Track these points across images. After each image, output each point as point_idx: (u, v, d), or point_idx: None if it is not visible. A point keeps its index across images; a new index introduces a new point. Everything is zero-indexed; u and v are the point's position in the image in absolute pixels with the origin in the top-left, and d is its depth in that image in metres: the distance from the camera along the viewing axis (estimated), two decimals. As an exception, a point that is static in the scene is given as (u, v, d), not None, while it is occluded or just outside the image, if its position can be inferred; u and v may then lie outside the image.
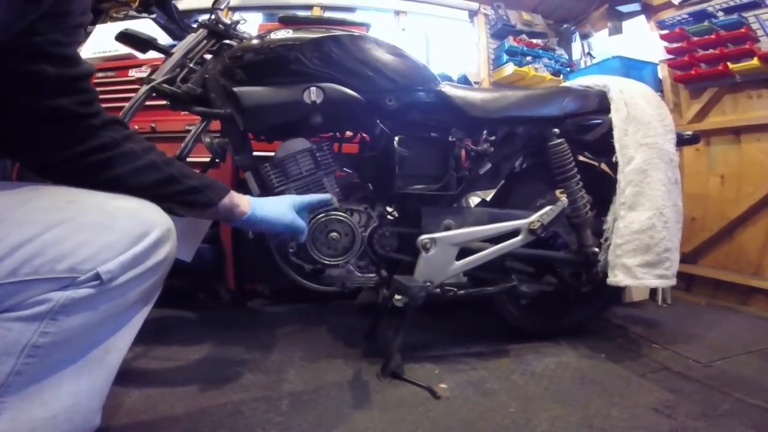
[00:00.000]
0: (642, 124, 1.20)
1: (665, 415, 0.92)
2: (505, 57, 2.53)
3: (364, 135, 1.33)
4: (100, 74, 1.73)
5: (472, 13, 2.82)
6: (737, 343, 1.35)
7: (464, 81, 2.27)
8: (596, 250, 1.25)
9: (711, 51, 1.95)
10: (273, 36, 1.08)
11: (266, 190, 1.11)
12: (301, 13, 2.45)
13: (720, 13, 1.95)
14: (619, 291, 1.61)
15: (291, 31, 1.09)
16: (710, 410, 0.94)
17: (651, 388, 1.05)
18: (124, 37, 1.15)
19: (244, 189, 1.06)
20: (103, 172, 0.62)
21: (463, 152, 1.23)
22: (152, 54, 1.22)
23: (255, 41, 1.09)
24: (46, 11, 0.51)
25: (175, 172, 0.68)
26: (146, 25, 1.44)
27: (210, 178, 0.75)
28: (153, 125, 1.63)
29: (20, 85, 0.54)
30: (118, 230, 0.57)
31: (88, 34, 1.95)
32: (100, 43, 1.94)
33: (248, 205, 0.80)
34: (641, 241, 1.16)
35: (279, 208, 0.86)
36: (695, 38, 2.01)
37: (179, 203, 0.69)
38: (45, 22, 0.52)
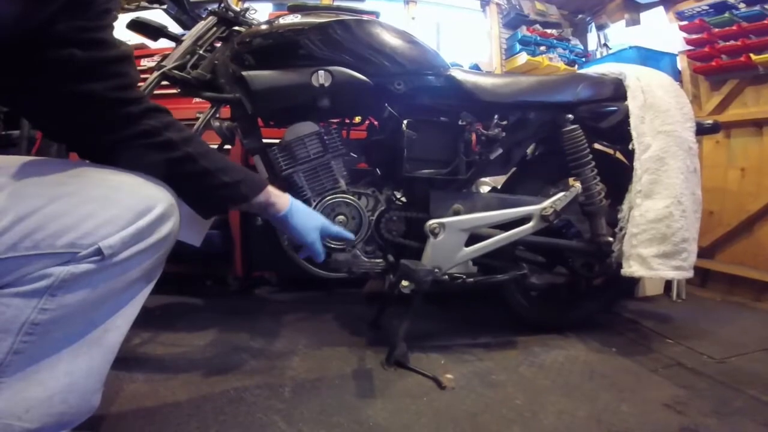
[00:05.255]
0: (660, 112, 1.17)
1: (676, 411, 0.90)
2: (518, 46, 2.49)
3: (372, 120, 1.31)
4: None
5: (484, 3, 2.79)
6: (752, 339, 1.32)
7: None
8: (610, 239, 1.21)
9: (732, 42, 1.89)
10: (281, 21, 1.08)
11: (274, 173, 1.11)
12: (311, 2, 2.43)
13: (741, 5, 1.89)
14: (631, 284, 1.58)
15: (299, 16, 1.08)
16: (722, 407, 0.92)
17: (662, 384, 1.02)
18: (136, 25, 1.15)
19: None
20: (138, 160, 0.61)
21: (473, 137, 1.20)
22: (164, 44, 1.23)
23: (263, 26, 1.09)
24: (67, 1, 0.50)
25: (210, 165, 0.67)
26: (157, 16, 1.44)
27: (249, 172, 0.74)
28: (164, 113, 1.64)
29: (52, 72, 0.53)
30: (121, 205, 0.56)
31: (116, 18, 1.95)
32: (113, 33, 1.95)
33: (285, 206, 0.79)
34: (658, 231, 1.12)
35: (309, 226, 0.85)
36: (716, 29, 1.95)
37: (209, 198, 0.70)
38: (66, 12, 0.51)
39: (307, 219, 0.84)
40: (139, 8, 2.21)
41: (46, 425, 0.54)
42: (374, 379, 1.01)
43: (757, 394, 0.97)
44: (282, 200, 0.79)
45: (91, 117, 0.58)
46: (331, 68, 1.03)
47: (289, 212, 0.80)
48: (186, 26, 1.20)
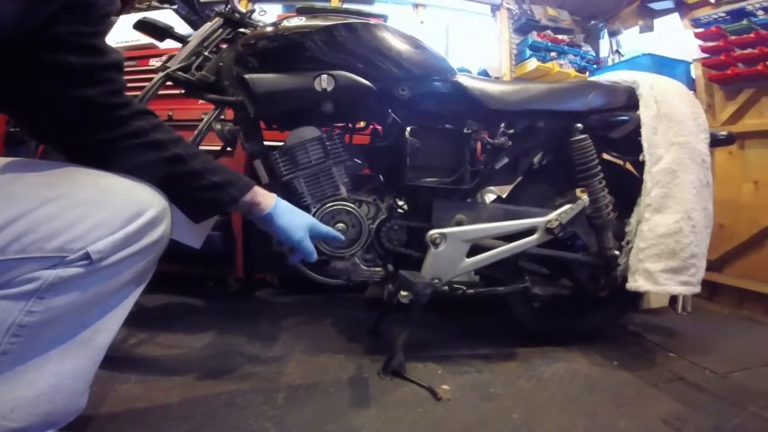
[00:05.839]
0: (674, 123, 1.14)
1: (674, 428, 0.88)
2: (528, 52, 2.46)
3: (376, 126, 1.30)
4: (122, 63, 1.75)
5: (495, 8, 2.76)
6: (759, 355, 1.28)
7: (484, 76, 2.22)
8: (617, 253, 1.18)
9: (749, 50, 1.85)
10: (286, 23, 1.07)
11: (275, 178, 1.10)
12: (320, 5, 2.43)
13: (760, 12, 1.84)
14: (636, 297, 1.54)
15: (304, 18, 1.08)
16: (722, 424, 0.89)
17: (663, 399, 1.00)
18: (142, 26, 1.16)
19: (256, 177, 1.05)
20: (127, 160, 0.62)
21: (479, 145, 1.18)
22: (173, 44, 1.23)
23: (268, 29, 1.08)
24: (69, 2, 0.50)
25: (199, 166, 0.68)
26: (167, 16, 1.45)
27: (235, 173, 0.74)
28: (170, 114, 1.64)
29: (47, 75, 0.54)
30: (112, 208, 0.56)
31: (112, 24, 1.98)
32: (123, 33, 1.97)
33: (269, 205, 0.79)
34: (666, 246, 1.09)
35: (295, 224, 0.83)
36: (733, 37, 1.90)
37: (199, 200, 0.69)
38: (68, 14, 0.51)
39: (293, 218, 0.83)
40: (150, 8, 2.22)
41: (32, 425, 0.54)
42: (370, 387, 1.00)
43: (758, 411, 0.94)
44: (267, 200, 0.78)
45: (81, 120, 0.59)
46: (334, 72, 1.02)
47: (274, 211, 0.79)
48: (196, 27, 1.20)
